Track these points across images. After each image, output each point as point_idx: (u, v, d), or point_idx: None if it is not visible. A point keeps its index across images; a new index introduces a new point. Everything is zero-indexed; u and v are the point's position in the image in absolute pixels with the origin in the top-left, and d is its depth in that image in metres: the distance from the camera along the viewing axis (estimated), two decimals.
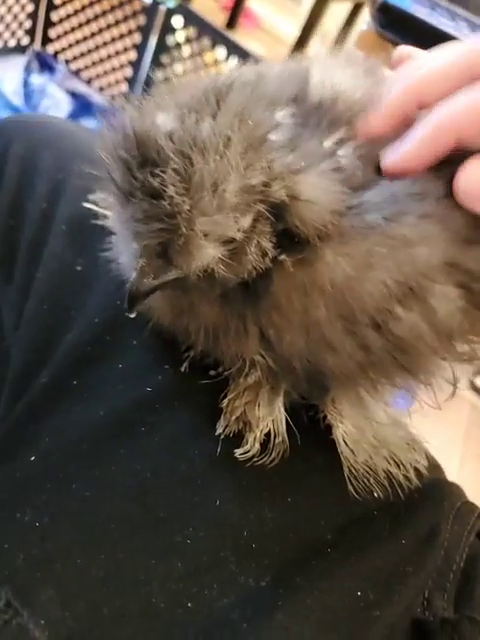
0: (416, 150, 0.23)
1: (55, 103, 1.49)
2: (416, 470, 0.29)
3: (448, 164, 0.23)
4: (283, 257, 0.23)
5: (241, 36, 1.70)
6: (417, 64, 0.24)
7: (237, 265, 0.23)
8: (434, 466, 0.34)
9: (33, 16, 1.60)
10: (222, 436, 0.27)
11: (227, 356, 0.26)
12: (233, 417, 0.27)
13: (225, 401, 0.28)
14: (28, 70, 1.59)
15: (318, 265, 0.22)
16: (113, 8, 1.52)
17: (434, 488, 0.31)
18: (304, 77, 0.25)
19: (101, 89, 1.62)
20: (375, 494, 0.28)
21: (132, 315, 0.24)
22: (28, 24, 1.60)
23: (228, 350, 0.26)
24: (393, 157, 0.23)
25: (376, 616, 0.25)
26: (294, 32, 1.67)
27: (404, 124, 0.23)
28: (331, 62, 0.27)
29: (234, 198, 0.21)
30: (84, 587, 0.24)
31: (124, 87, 1.56)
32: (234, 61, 1.35)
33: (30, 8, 1.57)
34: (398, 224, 0.22)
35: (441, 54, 0.24)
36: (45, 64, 1.62)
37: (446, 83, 0.23)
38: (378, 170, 0.23)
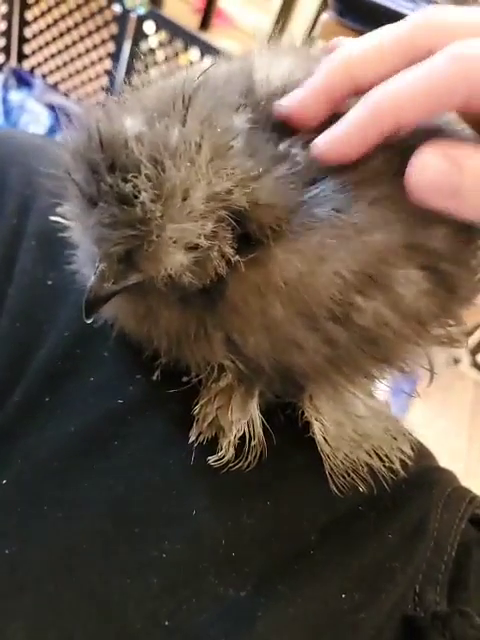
0: (349, 135, 0.21)
1: (34, 118, 1.50)
2: (402, 461, 0.29)
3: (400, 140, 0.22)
4: (236, 259, 0.22)
5: (216, 36, 1.69)
6: (350, 45, 0.22)
7: (201, 271, 0.23)
8: (423, 454, 0.33)
9: (7, 34, 1.60)
10: (196, 444, 0.27)
11: (194, 362, 0.26)
12: (205, 423, 0.27)
13: (197, 408, 0.27)
14: (6, 87, 1.59)
15: (270, 264, 0.22)
16: (85, 20, 1.52)
17: (422, 477, 0.31)
18: (249, 74, 0.25)
19: (79, 100, 1.62)
20: (360, 489, 0.27)
21: (89, 321, 0.23)
22: (2, 42, 1.60)
23: (194, 356, 0.25)
24: (323, 143, 0.22)
25: (362, 619, 0.24)
26: (267, 27, 1.66)
27: (340, 110, 0.22)
28: (272, 54, 0.26)
29: (201, 205, 0.21)
30: (55, 615, 0.23)
31: (102, 97, 1.56)
32: (208, 61, 1.34)
33: (3, 26, 1.58)
34: (347, 214, 0.21)
35: (378, 32, 0.22)
36: (22, 80, 1.62)
37: (383, 62, 0.21)
38: None
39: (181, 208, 0.21)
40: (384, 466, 0.28)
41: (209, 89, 0.23)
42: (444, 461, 0.35)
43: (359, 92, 0.22)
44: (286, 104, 0.23)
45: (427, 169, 0.20)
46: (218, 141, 0.21)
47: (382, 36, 0.22)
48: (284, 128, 0.23)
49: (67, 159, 0.22)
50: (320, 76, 0.22)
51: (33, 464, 0.28)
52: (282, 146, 0.23)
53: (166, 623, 0.23)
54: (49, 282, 0.35)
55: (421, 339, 0.24)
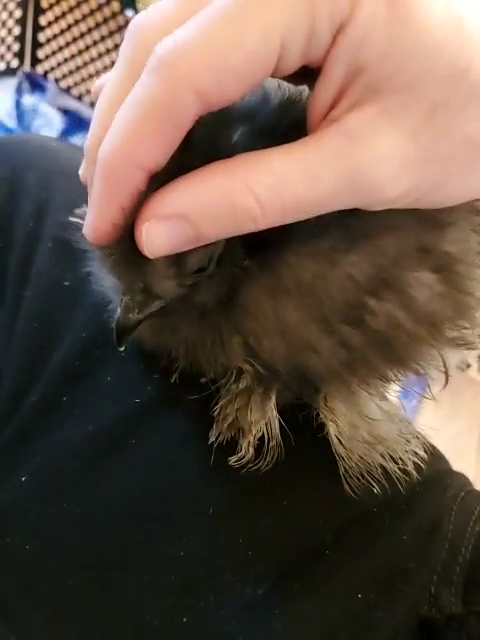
0: (98, 219, 0.19)
1: (47, 122, 1.51)
2: (416, 463, 0.29)
3: None
4: (247, 263, 0.23)
5: None
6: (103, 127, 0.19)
7: (213, 287, 0.23)
8: (437, 457, 0.33)
9: (20, 38, 1.62)
10: (215, 444, 0.27)
11: (212, 367, 0.26)
12: (225, 424, 0.27)
13: (217, 408, 0.27)
14: (19, 91, 1.60)
15: (282, 268, 0.22)
16: (98, 25, 1.54)
17: (436, 479, 0.31)
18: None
19: (92, 104, 1.63)
20: (374, 491, 0.27)
21: (121, 349, 0.24)
22: (16, 47, 1.62)
23: (212, 361, 0.25)
24: (86, 232, 0.20)
25: (378, 618, 0.25)
26: None
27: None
28: None
29: None
30: (75, 610, 0.24)
31: None
32: None
33: (17, 31, 1.60)
34: (357, 216, 0.21)
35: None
36: (36, 84, 1.64)
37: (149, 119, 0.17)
38: None
39: None
40: (398, 468, 0.28)
41: None
42: (454, 465, 0.35)
43: (149, 170, 0.18)
44: (87, 235, 0.20)
45: (155, 243, 0.19)
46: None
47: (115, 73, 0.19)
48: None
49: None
50: (98, 187, 0.19)
51: (52, 462, 0.28)
52: None
53: (184, 620, 0.24)
54: (66, 283, 0.36)
55: (435, 341, 0.24)
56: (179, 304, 0.23)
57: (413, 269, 0.22)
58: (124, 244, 0.21)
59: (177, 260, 0.21)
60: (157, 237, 0.19)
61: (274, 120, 0.22)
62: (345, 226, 0.22)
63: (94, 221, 0.19)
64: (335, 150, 0.18)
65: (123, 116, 0.17)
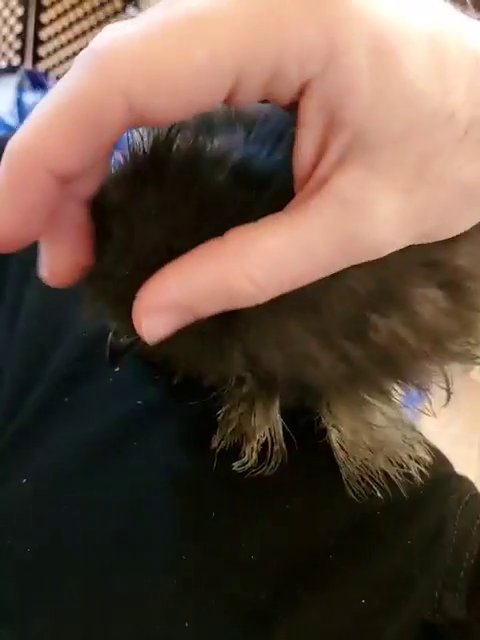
0: (4, 216, 0.16)
1: None
2: (419, 468, 0.28)
3: None
4: None
5: None
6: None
7: None
8: (440, 461, 0.33)
9: (22, 36, 1.62)
10: (218, 449, 0.27)
11: (213, 375, 0.26)
12: (229, 429, 0.27)
13: (220, 413, 0.27)
14: (21, 89, 1.60)
15: None
16: (99, 23, 1.54)
17: (440, 484, 0.30)
18: None
19: None
20: (377, 495, 0.27)
21: (116, 369, 0.24)
22: (17, 44, 1.62)
23: (212, 371, 0.25)
24: None
25: (382, 625, 0.24)
26: None
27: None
28: None
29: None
30: (77, 615, 0.23)
31: None
32: None
33: (18, 29, 1.59)
34: None
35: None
36: (37, 82, 1.64)
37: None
38: None
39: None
40: (401, 473, 0.28)
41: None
42: (456, 468, 0.35)
43: (70, 179, 0.16)
44: None
45: (156, 332, 0.19)
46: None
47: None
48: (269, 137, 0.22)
49: None
50: (4, 183, 0.16)
51: (52, 464, 0.28)
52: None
53: (186, 624, 0.23)
54: None
55: (439, 358, 0.24)
56: None
57: (419, 284, 0.22)
58: (105, 291, 0.20)
59: None
60: (157, 327, 0.19)
61: (278, 128, 0.22)
62: None
63: None
64: (329, 221, 0.17)
65: (40, 107, 0.15)
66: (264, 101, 0.17)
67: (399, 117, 0.16)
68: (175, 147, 0.20)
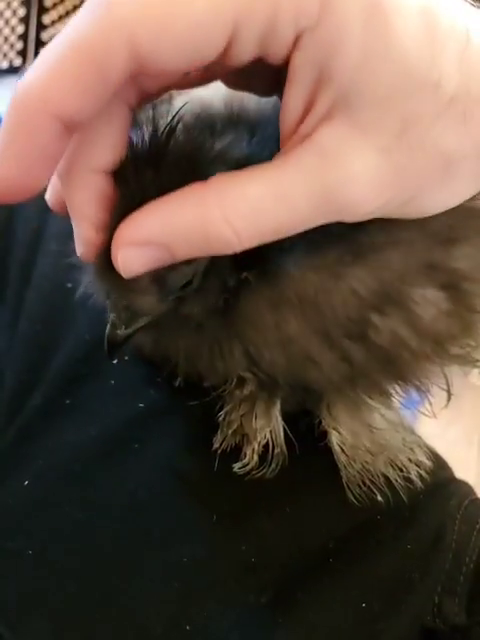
0: (6, 160, 0.16)
1: None
2: (419, 472, 0.29)
3: None
4: (245, 275, 0.22)
5: None
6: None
7: (204, 300, 0.23)
8: (440, 465, 0.33)
9: (24, 37, 1.62)
10: (219, 450, 0.27)
11: (214, 376, 0.26)
12: (230, 430, 0.27)
13: (221, 414, 0.27)
14: None
15: (283, 279, 0.22)
16: None
17: (440, 488, 0.31)
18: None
19: None
20: (377, 499, 0.27)
21: (114, 361, 0.24)
22: (19, 45, 1.62)
23: (214, 370, 0.25)
24: None
25: (382, 628, 0.24)
26: None
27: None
28: None
29: None
30: (77, 616, 0.23)
31: None
32: None
33: (20, 29, 1.60)
34: (365, 230, 0.21)
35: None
36: None
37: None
38: None
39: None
40: (401, 477, 0.28)
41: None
42: (455, 471, 0.35)
43: (74, 130, 0.16)
44: None
45: (131, 267, 0.19)
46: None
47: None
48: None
49: None
50: (10, 123, 0.16)
51: (54, 466, 0.28)
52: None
53: (187, 627, 0.23)
54: (68, 285, 0.36)
55: (439, 359, 0.24)
56: (169, 317, 0.23)
57: (419, 286, 0.22)
58: (103, 263, 0.20)
59: (159, 279, 0.21)
60: (133, 261, 0.18)
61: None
62: (351, 240, 0.21)
63: None
64: (308, 170, 0.17)
65: (47, 51, 0.15)
66: (255, 69, 0.18)
67: (385, 77, 0.17)
68: (174, 139, 0.20)
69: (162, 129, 0.20)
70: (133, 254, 0.18)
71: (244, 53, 0.17)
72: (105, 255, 0.20)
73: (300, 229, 0.19)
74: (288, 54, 0.17)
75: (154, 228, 0.18)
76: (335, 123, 0.17)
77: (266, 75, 0.19)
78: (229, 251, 0.18)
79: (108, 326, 0.23)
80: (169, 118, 0.20)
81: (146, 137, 0.20)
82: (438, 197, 0.20)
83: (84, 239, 0.20)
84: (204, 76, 0.22)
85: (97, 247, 0.20)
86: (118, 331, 0.23)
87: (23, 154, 0.16)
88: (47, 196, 0.22)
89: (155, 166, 0.19)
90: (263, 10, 0.15)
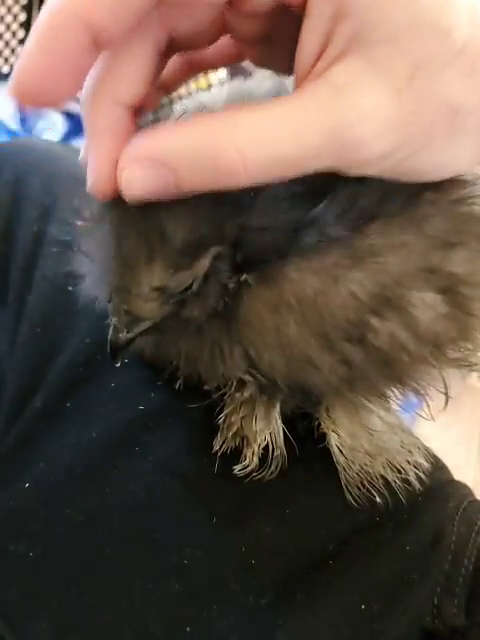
0: (33, 57, 0.16)
1: (50, 124, 1.52)
2: (417, 474, 0.29)
3: None
4: (245, 277, 0.22)
5: None
6: None
7: (201, 303, 0.23)
8: (439, 467, 0.33)
9: (25, 42, 1.62)
10: (219, 453, 0.27)
11: (213, 377, 0.26)
12: (230, 433, 0.27)
13: (221, 417, 0.27)
14: None
15: (282, 282, 0.22)
16: None
17: (438, 490, 0.31)
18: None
19: None
20: (376, 501, 0.27)
21: (117, 364, 0.24)
22: (20, 50, 1.63)
23: (213, 373, 0.26)
24: (12, 81, 0.16)
25: (381, 630, 0.25)
26: None
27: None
28: None
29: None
30: (79, 618, 0.24)
31: None
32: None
33: (21, 34, 1.60)
34: (363, 234, 0.21)
35: None
36: None
37: None
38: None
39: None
40: (399, 479, 0.28)
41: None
42: (454, 472, 0.35)
43: (101, 46, 0.17)
44: (16, 80, 0.17)
45: (134, 186, 0.18)
46: None
47: None
48: None
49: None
50: (41, 27, 0.16)
51: (55, 469, 0.28)
52: None
53: (188, 629, 0.24)
54: (69, 288, 0.36)
55: (437, 362, 0.24)
56: (170, 320, 0.23)
57: (418, 289, 0.22)
58: (105, 269, 0.21)
59: (160, 285, 0.22)
60: (137, 181, 0.18)
61: None
62: (349, 243, 0.21)
63: (20, 64, 0.16)
64: (320, 104, 0.17)
65: None
66: (283, 22, 0.18)
67: (398, 14, 0.17)
68: None
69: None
70: (137, 173, 0.18)
71: None
72: (106, 262, 0.20)
73: (306, 167, 0.18)
74: None
75: (161, 146, 0.18)
76: (349, 59, 0.17)
77: (290, 44, 0.19)
78: (236, 182, 0.18)
79: (110, 330, 0.23)
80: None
81: None
82: (443, 154, 0.20)
83: (96, 169, 0.19)
84: (228, 54, 0.22)
85: (107, 182, 0.19)
86: (120, 335, 0.23)
87: (50, 60, 0.16)
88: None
89: None
90: None
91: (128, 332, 0.23)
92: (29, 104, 0.17)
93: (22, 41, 1.60)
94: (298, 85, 0.19)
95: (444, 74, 0.18)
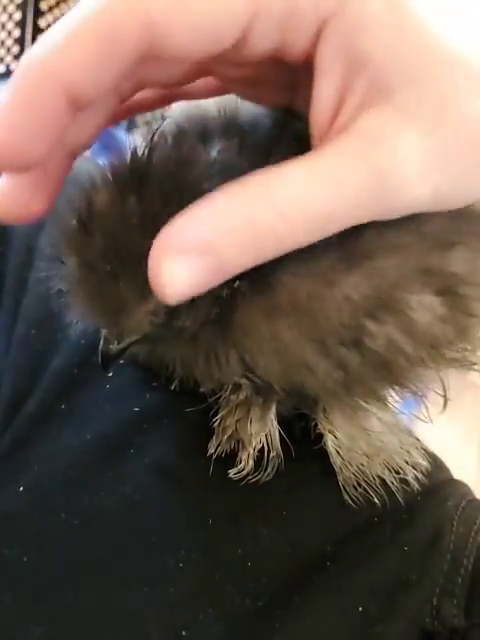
0: (8, 122, 0.15)
1: None
2: (416, 473, 0.28)
3: None
4: (238, 284, 0.22)
5: None
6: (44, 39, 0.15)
7: (193, 313, 0.23)
8: (438, 466, 0.33)
9: (20, 41, 1.62)
10: (214, 456, 0.27)
11: (209, 381, 0.26)
12: (225, 436, 0.27)
13: (216, 420, 0.27)
14: None
15: (276, 287, 0.22)
16: None
17: (437, 489, 0.30)
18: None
19: None
20: (375, 501, 0.27)
21: (109, 374, 0.24)
22: (16, 49, 1.62)
23: (209, 377, 0.25)
24: None
25: (379, 632, 0.24)
26: None
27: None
28: None
29: None
30: (74, 624, 0.23)
31: None
32: None
33: (16, 33, 1.60)
34: (357, 236, 0.21)
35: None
36: None
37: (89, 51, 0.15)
38: None
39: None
40: (398, 479, 0.28)
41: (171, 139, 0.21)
42: (454, 471, 0.35)
43: (80, 106, 0.16)
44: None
45: (179, 282, 0.16)
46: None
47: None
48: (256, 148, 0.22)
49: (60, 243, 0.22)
50: (16, 88, 0.15)
51: (50, 471, 0.28)
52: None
53: (184, 633, 0.23)
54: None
55: (435, 364, 0.24)
56: (162, 330, 0.23)
57: (415, 291, 0.22)
58: (91, 284, 0.20)
59: (152, 308, 0.21)
60: (180, 275, 0.16)
61: (270, 135, 0.22)
62: (344, 246, 0.21)
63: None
64: (356, 153, 0.17)
65: (58, 25, 0.15)
66: (273, 64, 0.17)
67: (417, 54, 0.16)
68: (157, 155, 0.20)
69: (143, 147, 0.20)
70: (181, 267, 0.16)
71: (261, 44, 0.16)
72: (88, 284, 0.20)
73: (353, 218, 0.18)
74: (308, 47, 0.16)
75: (201, 230, 0.16)
76: (375, 109, 0.17)
77: (278, 81, 0.19)
78: (281, 248, 0.17)
79: (101, 340, 0.23)
80: (148, 136, 0.20)
81: (128, 155, 0.20)
82: None
83: (16, 195, 0.18)
84: (210, 89, 0.21)
85: (24, 211, 0.19)
86: (111, 346, 0.23)
87: (24, 124, 0.15)
88: None
89: (138, 190, 0.19)
90: None
91: (119, 343, 0.23)
92: (3, 168, 0.16)
93: (17, 40, 1.60)
94: (317, 142, 0.18)
95: (473, 101, 0.17)
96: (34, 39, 1.62)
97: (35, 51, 0.15)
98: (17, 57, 1.63)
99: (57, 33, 0.15)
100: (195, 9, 0.15)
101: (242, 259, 0.17)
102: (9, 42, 1.58)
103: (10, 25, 1.59)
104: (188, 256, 0.16)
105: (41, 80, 0.15)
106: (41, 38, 0.15)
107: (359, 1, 0.16)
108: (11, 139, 0.15)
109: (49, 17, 1.61)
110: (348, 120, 0.17)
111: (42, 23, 1.62)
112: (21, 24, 1.60)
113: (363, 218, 0.18)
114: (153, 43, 0.15)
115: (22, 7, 1.58)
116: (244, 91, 0.22)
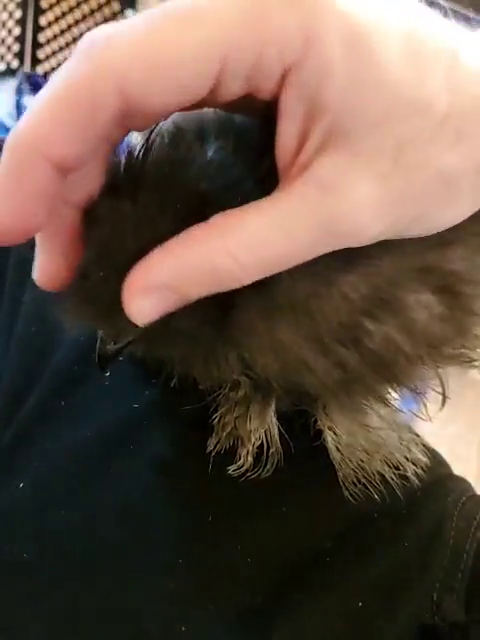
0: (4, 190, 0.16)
1: None
2: (416, 469, 0.29)
3: None
4: None
5: None
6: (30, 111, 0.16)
7: (190, 312, 0.22)
8: (438, 462, 0.33)
9: (20, 39, 1.62)
10: (214, 452, 0.27)
11: (208, 379, 0.26)
12: (224, 433, 0.27)
13: (216, 416, 0.27)
14: (20, 92, 1.60)
15: (274, 286, 0.21)
16: (98, 25, 1.53)
17: (437, 485, 0.30)
18: None
19: None
20: (374, 497, 0.27)
21: (107, 374, 0.24)
22: (16, 47, 1.62)
23: (208, 375, 0.25)
24: None
25: (379, 627, 0.24)
26: None
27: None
28: None
29: None
30: (74, 621, 0.23)
31: None
32: None
33: (17, 31, 1.60)
34: None
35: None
36: (36, 85, 1.64)
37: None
38: None
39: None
40: (398, 475, 0.28)
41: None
42: (454, 467, 0.35)
43: (69, 170, 0.17)
44: None
45: (145, 313, 0.19)
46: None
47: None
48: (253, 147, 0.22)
49: None
50: (3, 162, 0.16)
51: (50, 468, 0.28)
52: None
53: (183, 629, 0.23)
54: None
55: (434, 362, 0.24)
56: (159, 331, 0.23)
57: (413, 290, 0.22)
58: (85, 291, 0.20)
59: None
60: (148, 308, 0.19)
61: (265, 135, 0.22)
62: None
63: None
64: (308, 203, 0.18)
65: (40, 96, 0.16)
66: (245, 102, 0.18)
67: (374, 101, 0.17)
68: (152, 157, 0.20)
69: (138, 147, 0.20)
70: (147, 301, 0.18)
71: (232, 89, 0.17)
72: (82, 291, 0.20)
73: (305, 259, 0.19)
74: (276, 89, 0.17)
75: (163, 273, 0.18)
76: (331, 153, 0.17)
77: (254, 107, 0.19)
78: (239, 284, 0.19)
79: (98, 341, 0.23)
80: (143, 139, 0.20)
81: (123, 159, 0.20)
82: (442, 217, 0.20)
83: (46, 269, 0.20)
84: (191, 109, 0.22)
85: (62, 279, 0.20)
86: (108, 346, 0.23)
87: (20, 198, 0.16)
88: None
89: (132, 193, 0.19)
90: (249, 47, 0.16)
91: (116, 343, 0.23)
92: (5, 243, 0.17)
93: (18, 38, 1.60)
94: (282, 176, 0.19)
95: (430, 147, 0.18)
96: (35, 37, 1.62)
97: (19, 127, 0.16)
98: (17, 55, 1.63)
99: (37, 106, 0.16)
100: (167, 72, 0.15)
101: (202, 291, 0.19)
102: (9, 40, 1.58)
103: (10, 23, 1.59)
104: (153, 294, 0.18)
105: (26, 156, 0.16)
106: (25, 112, 0.16)
107: (321, 49, 0.16)
108: (8, 209, 0.17)
109: (50, 15, 1.61)
110: (307, 160, 0.18)
111: (42, 21, 1.62)
112: (21, 22, 1.60)
113: (315, 256, 0.19)
114: (130, 105, 0.16)
115: (22, 6, 1.58)
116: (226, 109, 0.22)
